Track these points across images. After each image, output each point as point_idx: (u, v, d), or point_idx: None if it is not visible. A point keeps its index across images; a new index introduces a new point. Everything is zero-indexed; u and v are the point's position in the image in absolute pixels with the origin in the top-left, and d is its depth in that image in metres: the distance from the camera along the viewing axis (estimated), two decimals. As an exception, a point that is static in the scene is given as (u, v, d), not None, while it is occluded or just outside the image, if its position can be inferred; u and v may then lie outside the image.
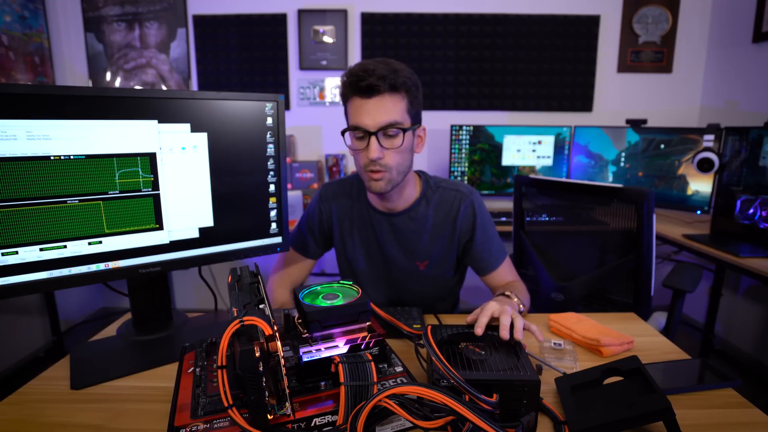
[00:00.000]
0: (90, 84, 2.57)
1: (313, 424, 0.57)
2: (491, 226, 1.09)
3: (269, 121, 0.90)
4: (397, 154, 0.94)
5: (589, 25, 2.51)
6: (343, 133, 0.98)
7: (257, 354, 0.51)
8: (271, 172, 0.93)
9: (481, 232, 1.07)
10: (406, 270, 1.10)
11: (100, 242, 0.76)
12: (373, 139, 0.91)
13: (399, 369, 0.68)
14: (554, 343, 0.84)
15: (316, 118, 2.63)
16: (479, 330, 0.72)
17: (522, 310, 0.92)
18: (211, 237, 0.88)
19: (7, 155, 0.66)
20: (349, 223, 1.12)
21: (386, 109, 0.91)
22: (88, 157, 0.73)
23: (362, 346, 0.65)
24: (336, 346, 0.64)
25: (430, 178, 1.11)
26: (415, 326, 0.90)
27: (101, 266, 0.77)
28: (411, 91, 0.93)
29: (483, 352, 0.67)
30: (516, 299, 0.92)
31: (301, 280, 1.20)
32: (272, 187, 0.94)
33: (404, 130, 0.93)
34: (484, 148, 2.44)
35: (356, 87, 0.90)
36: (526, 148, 2.44)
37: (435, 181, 1.10)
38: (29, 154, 0.68)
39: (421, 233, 1.07)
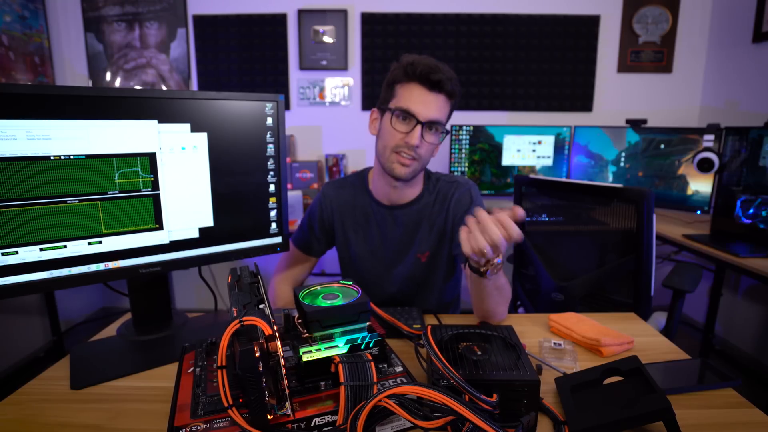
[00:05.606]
0: (90, 84, 2.57)
1: (313, 424, 0.56)
2: None
3: (269, 121, 0.90)
4: (429, 150, 1.00)
5: (589, 25, 2.51)
6: (381, 111, 1.01)
7: (257, 354, 0.51)
8: (271, 172, 0.93)
9: None
10: (408, 263, 1.11)
11: (100, 242, 0.76)
12: (419, 127, 0.96)
13: (399, 369, 0.68)
14: (554, 343, 0.84)
15: (316, 118, 2.63)
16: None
17: (499, 262, 0.80)
18: (211, 237, 0.88)
19: (7, 155, 0.66)
20: (352, 218, 1.13)
21: (440, 107, 0.97)
22: (88, 157, 0.72)
23: (362, 346, 0.65)
24: (336, 346, 0.64)
25: (432, 173, 1.14)
26: (415, 326, 0.90)
27: (101, 266, 0.77)
28: (456, 100, 1.01)
29: (483, 352, 0.67)
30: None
31: (303, 278, 1.21)
32: (272, 187, 0.94)
33: (443, 132, 1.00)
34: (484, 148, 2.44)
35: (424, 77, 0.94)
36: (526, 148, 2.44)
37: (436, 175, 1.14)
38: (29, 154, 0.68)
39: (421, 225, 1.10)
